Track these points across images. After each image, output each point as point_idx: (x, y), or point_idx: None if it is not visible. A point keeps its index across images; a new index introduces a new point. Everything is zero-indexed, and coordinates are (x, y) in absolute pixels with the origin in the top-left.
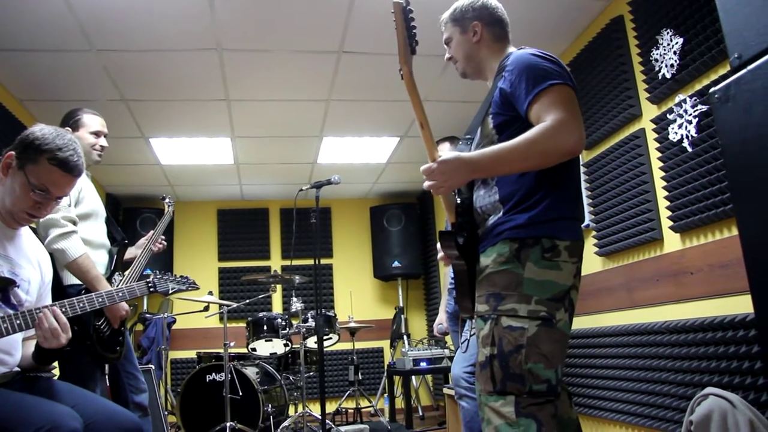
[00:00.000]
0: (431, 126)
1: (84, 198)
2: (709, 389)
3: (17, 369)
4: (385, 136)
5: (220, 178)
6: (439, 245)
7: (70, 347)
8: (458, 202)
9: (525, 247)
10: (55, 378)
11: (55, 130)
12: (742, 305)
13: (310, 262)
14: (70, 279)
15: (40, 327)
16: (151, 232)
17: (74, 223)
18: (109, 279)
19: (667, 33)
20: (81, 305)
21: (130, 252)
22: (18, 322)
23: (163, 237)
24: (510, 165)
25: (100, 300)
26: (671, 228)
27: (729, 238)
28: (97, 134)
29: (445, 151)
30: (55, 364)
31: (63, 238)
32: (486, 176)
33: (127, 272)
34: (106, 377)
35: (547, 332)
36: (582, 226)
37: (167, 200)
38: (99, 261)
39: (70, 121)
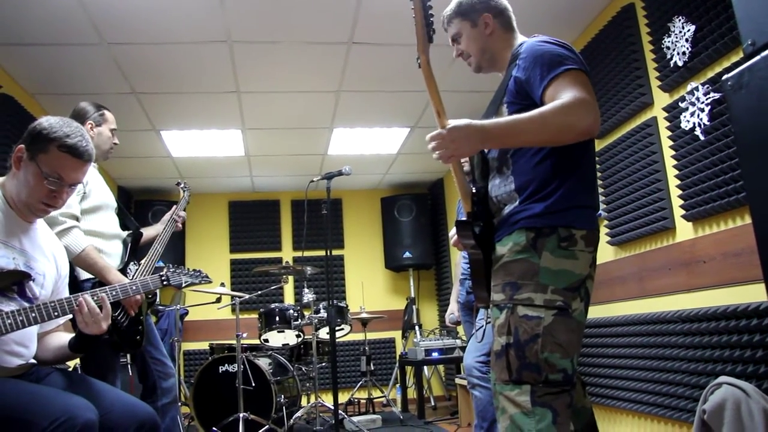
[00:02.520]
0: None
1: (91, 191)
2: (722, 378)
3: (33, 361)
4: (395, 126)
5: (231, 170)
6: (452, 233)
7: (108, 335)
8: (474, 191)
9: (541, 237)
10: (70, 369)
11: (61, 119)
12: (755, 294)
13: (322, 253)
14: (85, 273)
15: (81, 313)
16: (174, 206)
17: (75, 218)
18: (124, 268)
19: (679, 20)
20: (96, 299)
21: (153, 229)
22: (33, 315)
23: (184, 213)
24: (523, 137)
25: (114, 293)
26: (683, 217)
27: (742, 227)
28: (114, 132)
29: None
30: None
31: (63, 234)
32: (496, 146)
33: (143, 261)
34: (129, 367)
35: (563, 322)
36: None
37: (182, 185)
38: (113, 251)
39: (95, 115)
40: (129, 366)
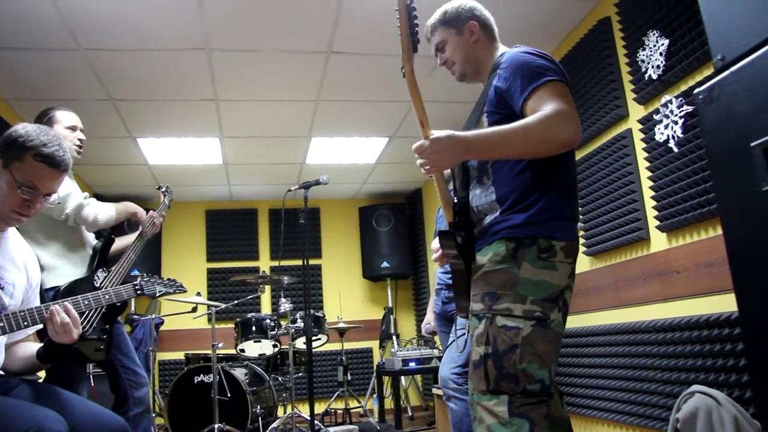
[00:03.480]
0: None
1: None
2: (695, 387)
3: (0, 372)
4: (374, 136)
5: (208, 179)
6: (432, 246)
7: (77, 345)
8: (455, 201)
9: (522, 247)
10: (40, 381)
11: (38, 127)
12: (727, 304)
13: (299, 262)
14: (49, 282)
15: (52, 322)
16: (151, 211)
17: (84, 197)
18: (92, 275)
19: (654, 34)
20: (65, 308)
21: (127, 238)
22: (2, 324)
23: (163, 215)
24: (504, 148)
25: (86, 303)
26: (658, 228)
27: (714, 238)
28: (72, 129)
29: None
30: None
31: (82, 208)
32: (479, 158)
33: (113, 268)
34: (91, 378)
35: (541, 332)
36: None
37: (164, 189)
38: (81, 259)
39: (44, 120)
40: (91, 376)
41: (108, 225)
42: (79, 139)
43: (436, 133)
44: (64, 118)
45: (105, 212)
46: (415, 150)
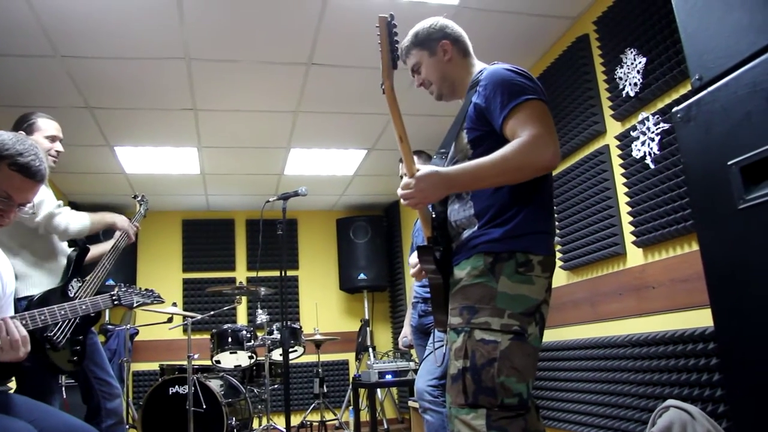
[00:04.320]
0: None
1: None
2: (669, 401)
3: None
4: (352, 148)
5: (185, 188)
6: (410, 260)
7: (29, 362)
8: (433, 215)
9: (499, 261)
10: (12, 392)
11: (15, 135)
12: (702, 319)
13: (276, 273)
14: (23, 292)
15: None
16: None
17: (57, 206)
18: (66, 285)
19: (631, 52)
20: (42, 318)
21: (102, 246)
22: None
23: (137, 226)
24: (487, 180)
25: (63, 313)
26: (634, 243)
27: (690, 253)
28: (52, 139)
29: (421, 166)
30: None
31: (53, 217)
32: (462, 191)
33: (88, 277)
34: (63, 390)
35: (519, 346)
36: None
37: (140, 198)
38: (55, 268)
39: (24, 125)
40: (63, 388)
41: (81, 235)
42: (57, 151)
43: (420, 170)
44: (46, 126)
45: (78, 222)
46: (402, 187)
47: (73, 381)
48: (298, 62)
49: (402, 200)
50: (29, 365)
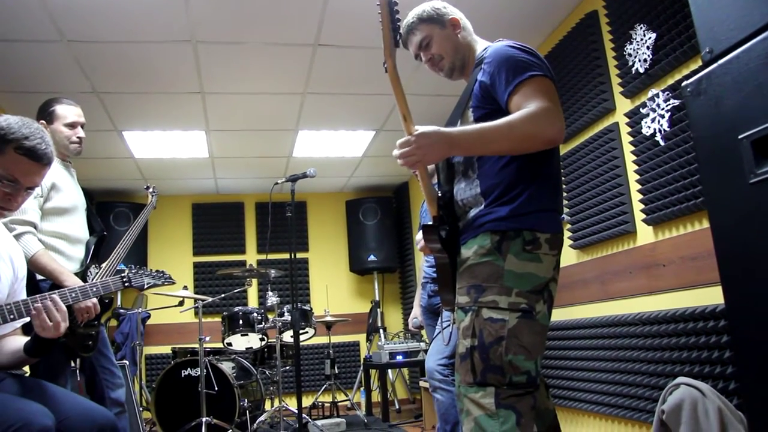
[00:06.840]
0: None
1: (53, 195)
2: (680, 379)
3: None
4: (360, 129)
5: (194, 172)
6: (418, 237)
7: (65, 338)
8: (439, 194)
9: (506, 240)
10: (26, 375)
11: (20, 119)
12: (712, 296)
13: (286, 256)
14: None
15: (38, 316)
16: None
17: (28, 224)
18: (84, 272)
19: (641, 28)
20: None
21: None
22: None
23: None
24: (489, 145)
25: (74, 295)
26: (644, 221)
27: (700, 231)
28: (72, 125)
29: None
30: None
31: (21, 235)
32: (463, 154)
33: (104, 265)
34: (78, 373)
35: (527, 324)
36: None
37: (151, 189)
38: (76, 255)
39: (45, 114)
40: (77, 371)
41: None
42: (78, 137)
43: (421, 129)
44: (65, 112)
45: (30, 250)
46: (400, 145)
47: (74, 366)
48: (305, 43)
49: (399, 160)
50: (64, 341)
